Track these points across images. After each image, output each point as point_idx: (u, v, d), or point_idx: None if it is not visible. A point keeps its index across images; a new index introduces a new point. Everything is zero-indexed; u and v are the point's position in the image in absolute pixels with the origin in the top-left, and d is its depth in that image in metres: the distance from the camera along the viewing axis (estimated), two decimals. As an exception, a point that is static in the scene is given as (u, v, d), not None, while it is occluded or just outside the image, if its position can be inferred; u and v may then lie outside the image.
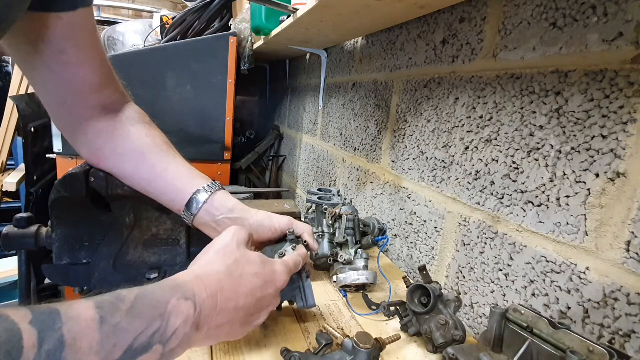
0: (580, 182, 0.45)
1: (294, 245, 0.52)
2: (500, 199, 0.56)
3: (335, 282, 0.62)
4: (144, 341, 0.30)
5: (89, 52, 0.48)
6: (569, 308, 0.46)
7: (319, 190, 0.79)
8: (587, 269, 0.44)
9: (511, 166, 0.54)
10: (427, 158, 0.74)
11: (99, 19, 2.61)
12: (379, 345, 0.43)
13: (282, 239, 0.54)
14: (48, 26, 0.44)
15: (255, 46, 1.40)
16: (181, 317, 0.32)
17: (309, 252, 0.53)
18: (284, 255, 0.49)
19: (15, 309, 0.25)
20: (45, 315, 0.26)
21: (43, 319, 0.25)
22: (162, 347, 0.31)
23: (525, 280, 0.52)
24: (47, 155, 1.33)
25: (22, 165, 1.67)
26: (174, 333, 0.32)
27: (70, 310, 0.27)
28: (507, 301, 0.55)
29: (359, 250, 0.66)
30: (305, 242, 0.54)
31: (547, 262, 0.49)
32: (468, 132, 0.63)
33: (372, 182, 0.96)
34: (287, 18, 0.94)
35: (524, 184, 0.52)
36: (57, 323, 0.26)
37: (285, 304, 0.53)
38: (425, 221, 0.74)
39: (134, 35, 1.85)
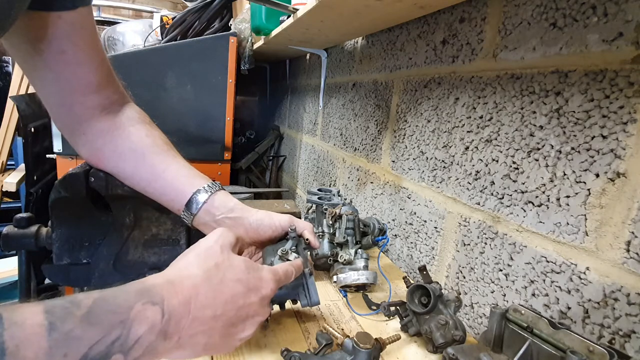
0: (580, 182, 0.45)
1: (295, 242, 0.52)
2: (500, 199, 0.56)
3: (335, 282, 0.62)
4: (100, 350, 0.27)
5: (88, 51, 0.48)
6: (569, 308, 0.46)
7: (319, 190, 0.79)
8: (587, 269, 0.44)
9: (511, 166, 0.54)
10: (427, 158, 0.74)
11: (99, 19, 2.61)
12: (379, 345, 0.43)
13: (282, 237, 0.54)
14: (48, 25, 0.44)
15: (255, 46, 1.40)
16: (145, 324, 0.30)
17: (308, 252, 0.53)
18: (286, 252, 0.49)
19: None
20: None
21: None
22: (123, 357, 0.28)
23: (525, 280, 0.52)
24: (47, 155, 1.33)
25: (22, 165, 1.67)
26: (137, 341, 0.29)
27: (15, 315, 0.25)
28: (507, 301, 0.55)
29: (359, 250, 0.66)
30: (307, 239, 0.54)
31: (547, 262, 0.49)
32: (468, 132, 0.63)
33: (372, 182, 0.96)
34: (287, 18, 0.94)
35: (524, 184, 0.52)
36: None
37: (287, 303, 0.53)
38: (425, 221, 0.74)
39: (134, 35, 1.85)
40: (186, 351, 0.35)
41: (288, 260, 0.49)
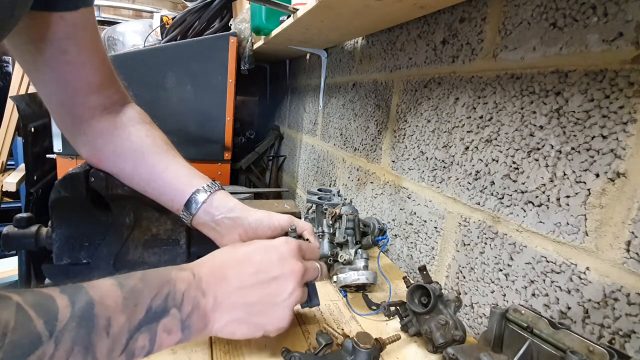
0: (580, 182, 0.45)
1: None
2: (500, 199, 0.56)
3: (335, 282, 0.62)
4: (160, 303, 0.33)
5: (90, 52, 0.49)
6: (569, 308, 0.46)
7: (319, 190, 0.79)
8: (587, 269, 0.44)
9: (511, 166, 0.54)
10: (427, 158, 0.74)
11: (99, 19, 2.61)
12: (379, 345, 0.43)
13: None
14: (50, 26, 0.44)
15: (255, 46, 1.40)
16: (184, 282, 0.35)
17: None
18: None
19: (42, 287, 0.29)
20: (71, 286, 0.29)
21: (69, 287, 0.29)
22: (178, 312, 0.34)
23: (525, 280, 0.52)
24: (47, 155, 1.33)
25: (22, 165, 1.67)
26: (184, 296, 0.34)
27: (90, 282, 0.31)
28: (507, 301, 0.55)
29: (359, 250, 0.66)
30: (307, 240, 0.54)
31: (547, 262, 0.49)
32: (468, 132, 0.63)
33: (372, 182, 0.96)
34: (287, 18, 0.94)
35: (524, 184, 0.52)
36: (83, 289, 0.29)
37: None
38: (425, 221, 0.74)
39: (134, 35, 1.85)
40: (228, 313, 0.38)
41: None
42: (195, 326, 0.35)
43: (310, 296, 0.50)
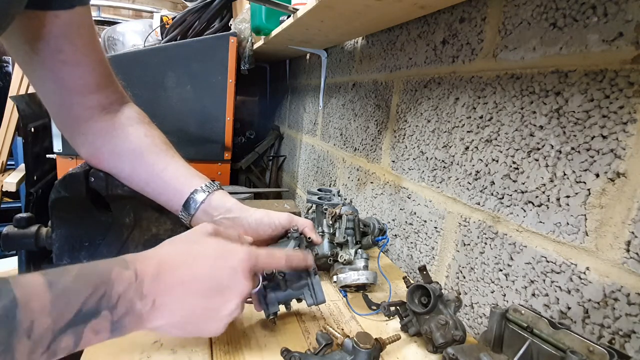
0: (580, 182, 0.45)
1: (298, 242, 0.52)
2: (500, 199, 0.56)
3: (335, 282, 0.62)
4: (92, 305, 0.31)
5: (86, 51, 0.48)
6: (569, 308, 0.46)
7: (319, 190, 0.79)
8: (587, 269, 0.44)
9: (511, 166, 0.54)
10: (427, 158, 0.74)
11: (99, 19, 2.61)
12: (379, 345, 0.43)
13: (283, 235, 0.54)
14: (45, 25, 0.44)
15: (255, 46, 1.40)
16: (123, 283, 0.33)
17: (311, 249, 0.53)
18: None
19: None
20: None
21: None
22: (110, 314, 0.32)
23: (525, 280, 0.52)
24: (47, 155, 1.33)
25: (22, 165, 1.67)
26: (119, 299, 0.32)
27: (18, 279, 0.29)
28: (507, 301, 0.55)
29: (359, 250, 0.66)
30: (309, 238, 0.54)
31: (547, 262, 0.49)
32: (468, 132, 0.63)
33: (372, 182, 0.96)
34: (287, 18, 0.95)
35: (524, 184, 0.52)
36: (8, 285, 0.27)
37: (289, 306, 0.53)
38: (425, 221, 0.74)
39: (134, 35, 1.85)
40: (165, 318, 0.36)
41: None
42: (127, 327, 0.34)
43: (316, 293, 0.50)
